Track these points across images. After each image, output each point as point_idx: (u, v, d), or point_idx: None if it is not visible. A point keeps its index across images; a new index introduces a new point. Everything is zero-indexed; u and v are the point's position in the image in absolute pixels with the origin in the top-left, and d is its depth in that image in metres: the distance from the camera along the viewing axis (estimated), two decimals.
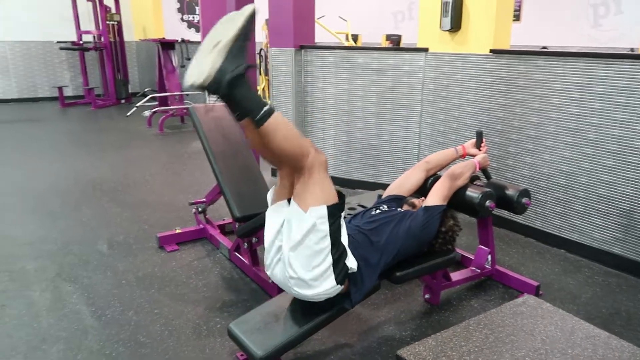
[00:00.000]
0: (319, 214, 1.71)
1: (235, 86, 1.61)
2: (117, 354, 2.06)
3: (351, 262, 1.83)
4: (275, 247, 1.85)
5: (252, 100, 1.65)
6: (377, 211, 2.23)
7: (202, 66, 1.58)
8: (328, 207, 1.72)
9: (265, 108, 1.64)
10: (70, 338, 2.17)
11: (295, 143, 1.71)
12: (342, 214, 1.82)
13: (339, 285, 1.79)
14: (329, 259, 1.74)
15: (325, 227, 1.72)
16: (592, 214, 2.95)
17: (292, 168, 1.78)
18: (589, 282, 2.72)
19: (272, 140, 1.67)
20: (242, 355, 2.02)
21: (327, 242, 1.73)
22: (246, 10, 1.67)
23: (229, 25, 1.64)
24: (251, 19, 1.66)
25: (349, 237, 1.88)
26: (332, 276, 1.76)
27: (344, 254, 1.80)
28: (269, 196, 1.93)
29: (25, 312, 2.36)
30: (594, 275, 2.79)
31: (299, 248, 1.73)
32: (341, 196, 1.81)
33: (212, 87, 1.59)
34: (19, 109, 8.48)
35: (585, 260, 2.97)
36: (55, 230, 3.33)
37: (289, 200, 1.83)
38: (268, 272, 1.92)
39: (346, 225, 2.08)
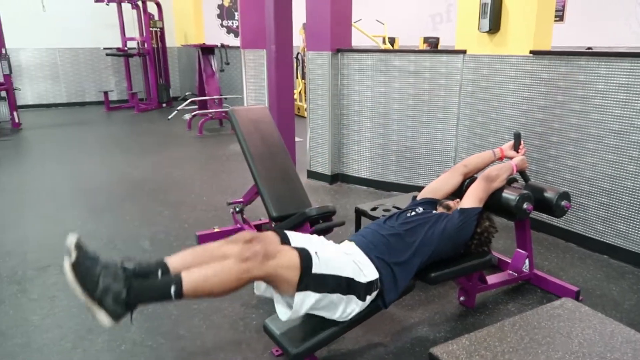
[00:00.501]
0: (303, 301, 1.71)
1: (134, 291, 1.56)
2: (157, 346, 2.15)
3: (368, 275, 1.85)
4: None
5: (156, 286, 1.61)
6: (413, 213, 2.24)
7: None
8: (298, 286, 1.68)
9: (170, 282, 1.58)
10: (115, 329, 2.26)
11: (226, 277, 1.63)
12: (313, 254, 1.75)
13: (362, 301, 1.83)
14: (343, 297, 1.78)
15: (313, 297, 1.71)
16: (638, 219, 2.85)
17: (267, 282, 1.75)
18: (634, 289, 2.63)
19: (210, 292, 1.63)
20: (277, 350, 2.07)
21: (328, 297, 1.75)
22: None
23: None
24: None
25: (374, 244, 1.95)
26: (354, 299, 1.81)
27: (351, 281, 1.80)
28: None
29: (74, 304, 2.48)
30: (639, 282, 2.70)
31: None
32: (303, 250, 1.75)
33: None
34: (67, 112, 8.89)
35: (630, 267, 2.87)
36: (102, 226, 3.48)
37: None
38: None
39: (380, 226, 2.10)
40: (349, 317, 1.84)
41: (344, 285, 1.78)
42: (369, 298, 1.86)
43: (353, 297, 1.80)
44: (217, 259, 1.71)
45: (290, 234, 1.91)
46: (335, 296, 1.77)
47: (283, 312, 1.79)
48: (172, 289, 1.56)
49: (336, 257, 1.85)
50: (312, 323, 1.93)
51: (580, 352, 1.41)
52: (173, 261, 1.72)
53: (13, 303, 2.49)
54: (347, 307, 1.81)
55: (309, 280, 1.70)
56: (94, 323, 2.30)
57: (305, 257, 1.71)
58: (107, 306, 1.52)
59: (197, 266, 1.66)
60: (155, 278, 1.64)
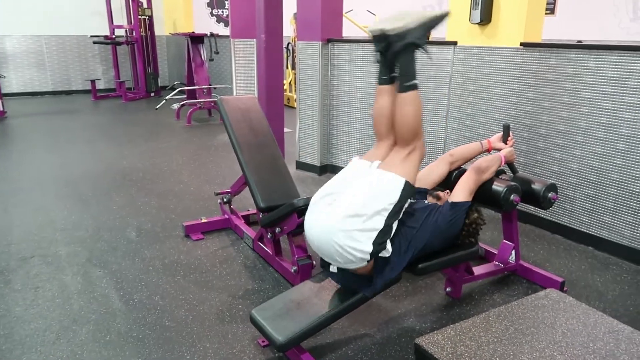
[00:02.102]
0: (397, 183, 1.84)
1: (410, 51, 1.87)
2: (143, 337, 2.13)
3: (389, 246, 1.88)
4: (332, 190, 1.92)
5: (412, 69, 1.89)
6: None
7: (397, 22, 1.83)
8: (406, 182, 1.86)
9: (415, 81, 1.89)
10: (100, 320, 2.25)
11: (417, 121, 1.92)
12: (407, 203, 1.90)
13: (368, 257, 1.82)
14: (381, 223, 1.81)
15: (394, 198, 1.82)
16: (623, 211, 2.88)
17: (401, 139, 1.95)
18: (617, 280, 2.66)
19: (404, 108, 1.89)
20: (263, 341, 2.06)
21: (387, 213, 1.82)
22: (443, 10, 1.96)
23: (420, 14, 1.89)
24: (444, 17, 1.93)
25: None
26: (371, 242, 1.80)
27: (389, 233, 1.86)
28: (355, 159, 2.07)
29: (58, 295, 2.45)
30: (623, 274, 2.73)
31: (365, 200, 1.82)
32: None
33: (394, 38, 1.85)
34: (53, 101, 8.76)
35: (614, 258, 2.90)
36: (87, 216, 3.44)
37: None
38: (309, 216, 1.96)
39: None
40: (347, 256, 1.83)
41: (389, 227, 1.85)
42: (365, 260, 1.84)
43: (372, 238, 1.81)
44: None
45: None
46: (385, 215, 1.82)
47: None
48: (416, 81, 1.93)
49: None
50: (299, 314, 1.92)
51: (563, 342, 1.42)
52: None
53: None
54: (360, 238, 1.80)
55: (408, 191, 1.89)
56: (78, 314, 2.28)
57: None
58: None
59: None
60: None
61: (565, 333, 1.46)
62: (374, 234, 1.81)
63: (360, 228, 1.79)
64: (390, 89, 1.98)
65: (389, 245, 1.88)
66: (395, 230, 1.95)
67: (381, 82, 1.99)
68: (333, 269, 1.98)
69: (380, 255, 1.88)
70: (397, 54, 1.89)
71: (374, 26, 1.89)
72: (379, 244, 1.82)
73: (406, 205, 1.91)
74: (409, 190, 1.87)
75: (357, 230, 1.79)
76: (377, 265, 1.91)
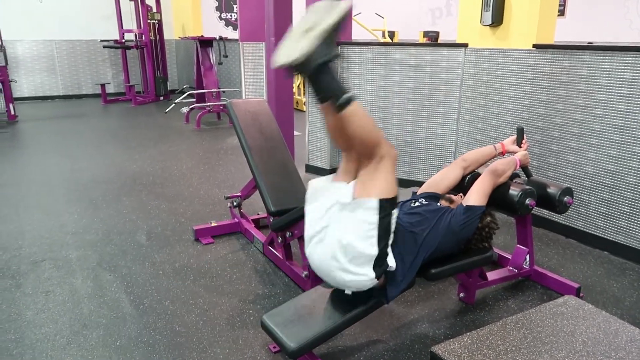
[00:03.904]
0: (371, 206, 1.73)
1: (323, 71, 1.70)
2: (154, 342, 2.12)
3: (391, 261, 1.83)
4: (320, 226, 1.85)
5: (337, 86, 1.74)
6: (417, 203, 2.20)
7: (294, 49, 1.67)
8: (380, 200, 1.74)
9: (347, 96, 1.72)
10: (110, 325, 2.24)
11: (369, 132, 1.77)
12: (394, 211, 1.82)
13: (375, 279, 1.78)
14: (374, 250, 1.75)
15: (374, 219, 1.73)
16: (639, 215, 2.82)
17: (361, 154, 1.82)
18: (634, 286, 2.60)
19: (349, 126, 1.74)
20: (274, 347, 2.04)
21: (374, 234, 1.74)
22: (343, 3, 1.74)
23: (324, 14, 1.71)
24: (348, 13, 1.75)
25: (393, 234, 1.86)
26: (371, 267, 1.76)
27: (386, 252, 1.80)
28: (329, 178, 1.96)
29: (69, 299, 2.45)
30: None
31: (349, 235, 1.74)
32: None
33: (300, 68, 1.69)
34: (64, 105, 8.82)
35: (631, 263, 2.84)
36: (97, 220, 3.44)
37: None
38: (307, 251, 1.92)
39: None
40: (354, 285, 1.80)
41: (383, 248, 1.78)
42: (375, 282, 1.80)
43: (371, 265, 1.76)
44: None
45: None
46: (374, 241, 1.75)
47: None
48: (347, 95, 1.74)
49: None
50: (311, 320, 1.90)
51: (584, 351, 1.38)
52: None
53: (7, 298, 2.46)
54: (360, 269, 1.76)
55: (387, 206, 1.78)
56: (89, 318, 2.27)
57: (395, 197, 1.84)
58: None
59: None
60: None
61: (585, 342, 1.42)
62: (372, 261, 1.76)
63: (355, 263, 1.75)
64: (328, 106, 1.77)
65: (392, 262, 1.83)
66: (403, 237, 1.92)
67: (318, 102, 1.80)
68: (348, 291, 1.93)
69: (388, 270, 1.84)
70: (311, 81, 1.73)
71: (276, 61, 1.70)
72: (379, 266, 1.78)
73: (393, 218, 1.81)
74: (387, 205, 1.77)
75: (353, 266, 1.75)
76: (388, 278, 1.88)
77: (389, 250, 1.82)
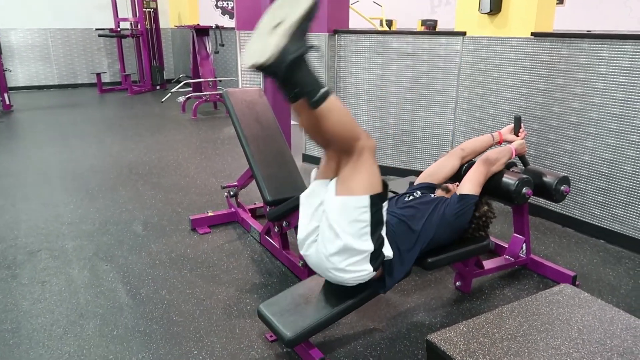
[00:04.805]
0: (362, 204, 1.68)
1: (296, 68, 1.57)
2: (150, 331, 2.12)
3: (387, 251, 1.82)
4: (311, 227, 1.83)
5: (311, 82, 1.61)
6: (411, 197, 2.20)
7: (264, 47, 1.54)
8: (371, 197, 1.69)
9: (322, 91, 1.60)
10: (107, 314, 2.23)
11: (347, 127, 1.68)
12: (384, 204, 1.78)
13: (373, 272, 1.78)
14: (369, 245, 1.72)
15: (366, 216, 1.69)
16: (636, 204, 2.82)
17: (340, 151, 1.74)
18: (630, 274, 2.61)
19: (326, 122, 1.63)
20: (271, 336, 2.04)
21: (367, 230, 1.71)
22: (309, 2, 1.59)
23: (291, 7, 1.58)
24: (315, 7, 1.59)
25: (386, 226, 1.85)
26: (368, 262, 1.75)
27: (382, 243, 1.79)
28: (313, 175, 1.91)
29: (65, 289, 2.44)
30: (636, 267, 2.68)
31: (341, 235, 1.70)
32: (385, 186, 1.77)
33: (273, 68, 1.54)
34: (59, 94, 8.75)
35: (627, 252, 2.85)
36: (94, 210, 3.43)
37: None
38: (302, 252, 1.92)
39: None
40: (353, 282, 1.79)
41: (378, 242, 1.75)
42: (373, 274, 1.80)
43: (368, 260, 1.74)
44: None
45: None
46: (367, 237, 1.72)
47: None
48: (323, 90, 1.61)
49: None
50: (307, 309, 1.90)
51: (579, 339, 1.38)
52: None
53: (3, 288, 2.45)
54: (358, 267, 1.74)
55: (378, 201, 1.72)
56: (85, 308, 2.27)
57: (385, 189, 1.77)
58: None
59: None
60: None
61: (581, 330, 1.42)
62: (367, 256, 1.74)
63: (350, 262, 1.73)
64: (302, 103, 1.65)
65: (388, 252, 1.82)
66: (397, 230, 1.92)
67: (289, 101, 1.69)
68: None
69: (385, 260, 1.83)
70: (285, 79, 1.59)
71: (246, 62, 1.58)
72: (376, 259, 1.77)
73: (384, 210, 1.78)
74: (378, 200, 1.73)
75: (348, 265, 1.73)
76: (386, 269, 1.88)
77: (385, 239, 1.82)
